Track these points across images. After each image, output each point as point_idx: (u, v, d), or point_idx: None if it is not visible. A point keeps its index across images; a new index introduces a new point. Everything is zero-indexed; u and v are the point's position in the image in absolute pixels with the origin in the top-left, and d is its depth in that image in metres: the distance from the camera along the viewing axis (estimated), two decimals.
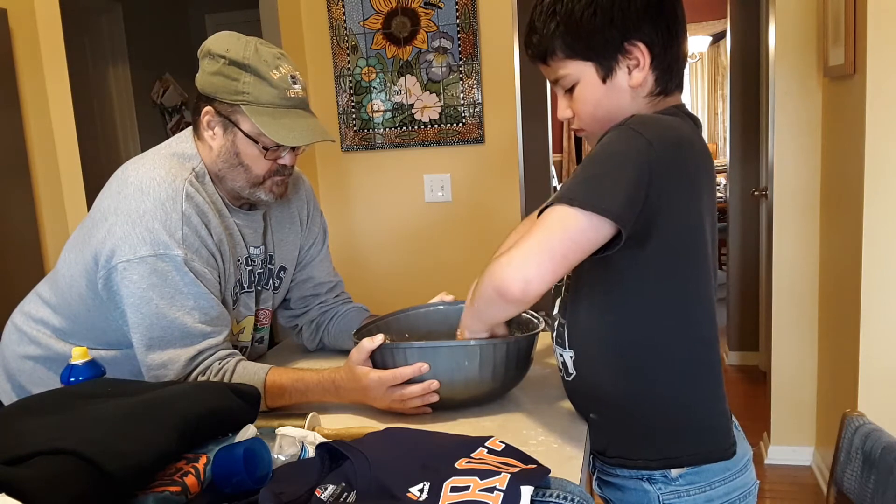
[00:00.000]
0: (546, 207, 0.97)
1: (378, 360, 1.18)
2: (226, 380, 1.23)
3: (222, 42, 1.25)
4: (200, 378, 1.23)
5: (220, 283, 1.29)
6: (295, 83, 1.26)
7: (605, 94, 1.05)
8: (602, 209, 0.92)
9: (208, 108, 1.27)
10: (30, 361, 1.36)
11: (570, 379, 1.13)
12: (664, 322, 1.03)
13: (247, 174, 1.29)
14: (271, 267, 1.46)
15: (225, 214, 1.32)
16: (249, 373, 1.25)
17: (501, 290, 0.96)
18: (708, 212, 1.03)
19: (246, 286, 1.40)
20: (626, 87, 1.04)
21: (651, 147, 0.94)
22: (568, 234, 0.94)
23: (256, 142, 1.26)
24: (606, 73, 1.04)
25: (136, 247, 1.19)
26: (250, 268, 1.40)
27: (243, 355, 1.34)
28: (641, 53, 1.02)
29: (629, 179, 0.94)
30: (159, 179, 1.22)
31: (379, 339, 1.18)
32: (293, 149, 1.31)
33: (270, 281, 1.47)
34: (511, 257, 0.95)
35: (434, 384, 1.14)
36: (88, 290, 1.27)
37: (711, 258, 1.06)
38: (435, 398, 1.16)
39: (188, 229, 1.22)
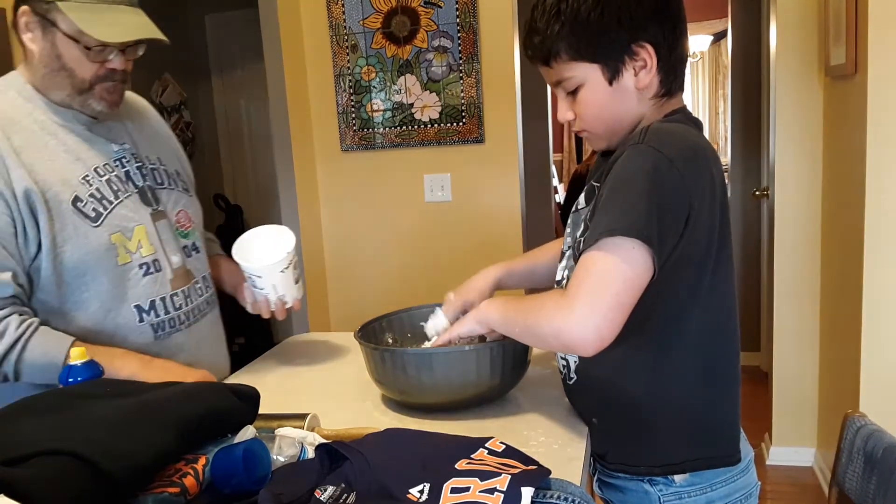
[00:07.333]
0: (586, 244, 0.95)
1: (377, 363, 1.18)
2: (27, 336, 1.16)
3: None
4: None
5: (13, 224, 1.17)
6: None
7: (612, 96, 1.03)
8: (658, 250, 0.92)
9: (24, 7, 1.18)
10: None
11: (571, 383, 1.12)
12: (672, 330, 1.03)
13: (71, 79, 1.21)
14: (164, 168, 1.39)
15: (53, 132, 1.23)
16: (54, 338, 1.18)
17: (575, 348, 0.96)
18: (722, 216, 1.01)
19: (113, 196, 1.26)
20: (633, 88, 1.03)
21: (672, 164, 0.93)
22: (629, 282, 0.92)
23: (77, 41, 1.18)
24: (613, 75, 1.02)
25: None
26: (114, 172, 1.28)
27: (160, 271, 1.30)
28: (648, 55, 1.01)
29: (668, 209, 0.93)
30: None
31: None
32: (123, 52, 1.23)
33: (169, 181, 1.39)
34: (577, 315, 0.91)
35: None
36: None
37: (731, 263, 1.05)
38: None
39: None
